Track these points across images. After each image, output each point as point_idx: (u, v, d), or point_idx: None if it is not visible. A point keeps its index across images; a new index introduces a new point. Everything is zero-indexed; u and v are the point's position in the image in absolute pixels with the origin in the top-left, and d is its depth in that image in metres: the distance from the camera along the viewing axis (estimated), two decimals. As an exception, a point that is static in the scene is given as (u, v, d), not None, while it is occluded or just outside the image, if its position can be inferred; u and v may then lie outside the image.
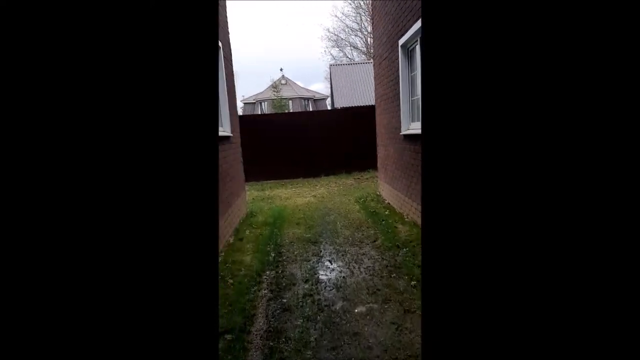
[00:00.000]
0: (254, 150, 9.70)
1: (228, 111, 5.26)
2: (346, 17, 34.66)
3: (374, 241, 4.38)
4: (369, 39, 27.78)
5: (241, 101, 33.81)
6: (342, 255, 4.01)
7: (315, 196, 7.66)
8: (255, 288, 3.26)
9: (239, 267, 3.73)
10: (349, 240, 4.51)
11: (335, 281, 3.34)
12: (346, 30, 35.13)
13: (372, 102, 17.12)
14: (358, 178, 9.51)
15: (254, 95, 33.78)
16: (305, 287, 3.26)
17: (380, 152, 7.00)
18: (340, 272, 3.56)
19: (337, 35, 31.67)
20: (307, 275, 3.50)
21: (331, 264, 3.78)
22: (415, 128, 4.83)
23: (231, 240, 4.66)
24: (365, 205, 6.38)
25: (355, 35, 28.92)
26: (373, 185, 8.21)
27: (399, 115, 5.33)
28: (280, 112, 18.65)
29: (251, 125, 9.88)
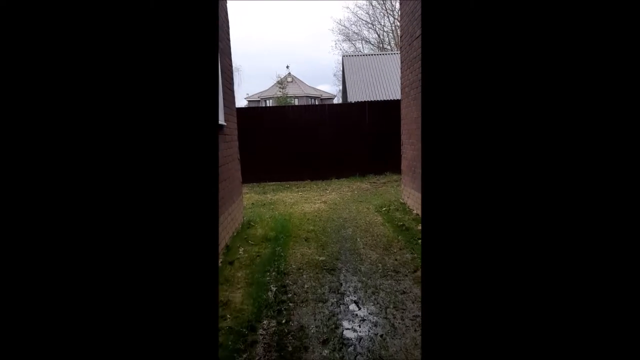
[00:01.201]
0: (255, 146, 8.54)
1: (221, 92, 4.07)
2: (359, 8, 33.44)
3: (414, 271, 3.17)
4: (382, 33, 26.64)
5: (245, 99, 32.72)
6: (373, 293, 2.80)
7: (325, 202, 6.46)
8: (246, 355, 2.06)
9: (223, 312, 2.53)
10: (378, 267, 3.30)
11: (371, 344, 2.14)
12: (358, 23, 34.04)
13: (390, 97, 15.89)
14: (374, 182, 8.30)
15: (258, 93, 32.71)
16: (325, 354, 2.06)
17: (407, 152, 5.79)
18: (375, 324, 2.36)
19: (349, 29, 30.31)
20: (325, 330, 2.30)
21: (359, 309, 2.58)
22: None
23: (219, 262, 3.47)
24: (389, 216, 5.17)
25: (368, 30, 27.76)
26: (393, 191, 7.00)
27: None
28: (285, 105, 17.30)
29: (253, 119, 8.71)
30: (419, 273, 3.12)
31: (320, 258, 3.60)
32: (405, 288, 2.86)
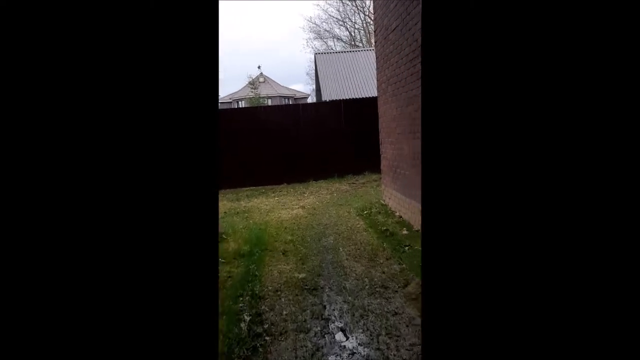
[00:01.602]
0: (228, 151, 8.08)
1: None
2: (329, 5, 33.02)
3: (404, 286, 2.86)
4: (353, 30, 26.48)
5: (217, 101, 31.79)
6: (361, 316, 2.47)
7: (304, 207, 6.11)
8: (212, 416, 1.68)
9: (187, 355, 2.14)
10: (365, 283, 2.98)
11: (363, 388, 1.80)
12: (329, 21, 33.71)
13: (364, 94, 15.61)
14: (353, 183, 8.00)
15: (229, 95, 31.94)
16: (309, 405, 1.71)
17: (387, 151, 5.51)
18: (367, 359, 2.02)
19: (320, 27, 29.91)
20: (309, 371, 1.95)
21: (346, 338, 2.24)
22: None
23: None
24: (371, 220, 4.87)
25: (339, 27, 27.51)
26: (374, 192, 6.72)
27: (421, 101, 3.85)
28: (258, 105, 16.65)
29: (224, 121, 8.24)
30: (409, 288, 2.81)
31: (300, 275, 3.24)
32: (396, 308, 2.54)
